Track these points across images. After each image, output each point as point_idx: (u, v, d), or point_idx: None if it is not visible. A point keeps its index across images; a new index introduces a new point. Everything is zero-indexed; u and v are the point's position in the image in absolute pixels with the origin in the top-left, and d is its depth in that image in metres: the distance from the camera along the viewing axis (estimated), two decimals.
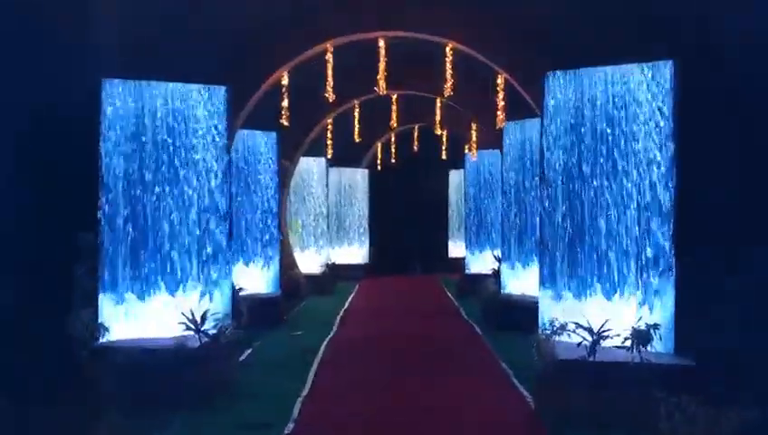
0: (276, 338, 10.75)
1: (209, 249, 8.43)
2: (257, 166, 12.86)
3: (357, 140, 16.79)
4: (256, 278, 12.67)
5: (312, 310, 14.17)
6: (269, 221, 12.98)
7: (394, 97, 15.92)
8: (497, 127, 11.33)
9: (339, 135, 17.82)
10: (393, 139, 21.54)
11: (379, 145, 21.76)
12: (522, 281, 11.94)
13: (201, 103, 8.34)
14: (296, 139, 16.30)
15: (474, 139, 16.02)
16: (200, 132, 8.32)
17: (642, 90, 7.44)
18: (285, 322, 12.24)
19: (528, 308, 10.99)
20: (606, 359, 6.81)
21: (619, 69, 7.61)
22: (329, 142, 16.65)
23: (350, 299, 16.00)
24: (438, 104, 15.92)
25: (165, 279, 8.06)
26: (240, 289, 11.30)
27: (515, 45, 10.11)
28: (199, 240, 8.31)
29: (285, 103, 11.51)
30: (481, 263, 16.95)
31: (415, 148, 20.97)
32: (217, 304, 8.36)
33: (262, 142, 12.92)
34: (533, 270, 11.82)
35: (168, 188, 8.10)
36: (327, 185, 18.45)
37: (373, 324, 12.43)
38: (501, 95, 11.09)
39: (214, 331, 7.93)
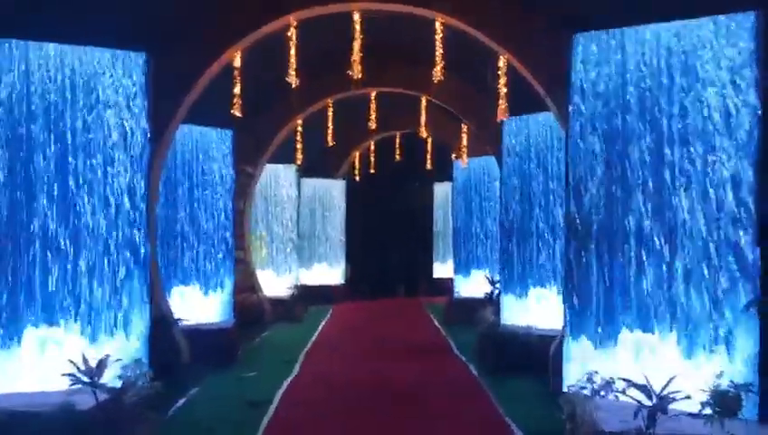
0: (221, 383, 8.51)
1: (123, 271, 6.25)
2: (207, 168, 10.66)
3: (331, 144, 14.64)
4: (204, 305, 10.44)
5: (274, 342, 11.93)
6: (223, 235, 10.77)
7: (373, 95, 13.84)
8: (499, 118, 9.22)
9: (311, 141, 15.70)
10: (372, 147, 19.45)
11: (357, 154, 19.65)
12: (525, 309, 9.83)
13: (111, 73, 6.18)
14: (260, 140, 14.17)
15: (464, 143, 13.95)
16: (109, 110, 6.15)
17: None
18: (239, 358, 10.00)
19: (536, 345, 8.91)
20: (674, 432, 4.71)
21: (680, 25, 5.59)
22: (298, 146, 14.47)
23: (320, 328, 13.78)
24: (424, 103, 13.83)
25: (45, 309, 5.82)
26: (178, 320, 9.07)
27: (519, 12, 8.12)
28: (105, 256, 6.11)
29: (237, 90, 9.37)
30: (471, 285, 14.84)
31: (397, 156, 18.87)
32: (128, 344, 6.15)
33: (214, 140, 10.74)
34: (542, 296, 9.72)
35: (58, 180, 5.90)
36: (299, 195, 16.25)
37: (346, 362, 10.22)
38: (503, 81, 9.00)
39: (119, 383, 5.75)
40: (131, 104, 6.19)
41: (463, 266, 15.18)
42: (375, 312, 17.29)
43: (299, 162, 15.00)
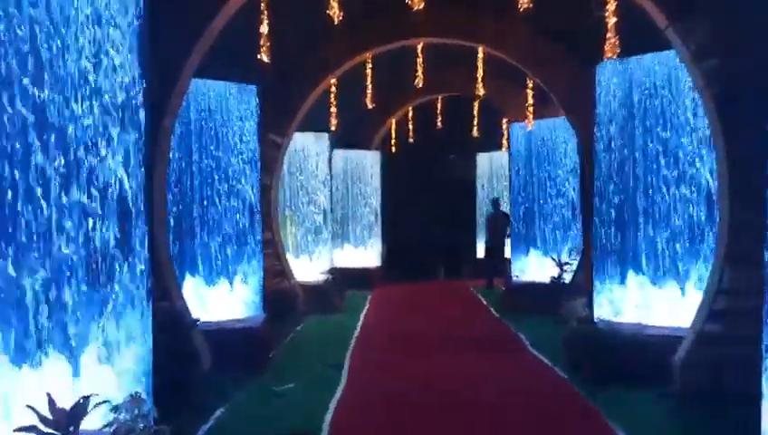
0: (250, 403, 6.67)
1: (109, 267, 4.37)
2: (229, 135, 8.76)
3: (370, 106, 12.65)
4: (229, 298, 8.62)
5: (311, 339, 10.09)
6: (249, 214, 8.91)
7: (419, 47, 11.82)
8: (607, 56, 7.18)
9: (342, 107, 13.78)
10: (411, 114, 17.45)
11: (393, 122, 17.67)
12: (627, 302, 7.88)
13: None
14: (289, 104, 12.26)
15: (529, 101, 11.90)
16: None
17: None
18: (271, 362, 8.19)
19: (652, 348, 7.03)
20: None
21: None
22: (332, 111, 12.52)
23: (362, 318, 11.94)
24: (481, 55, 11.76)
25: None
26: (197, 321, 7.24)
27: None
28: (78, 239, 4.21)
29: (265, 29, 7.44)
30: (533, 267, 12.92)
31: (438, 123, 16.86)
32: (120, 376, 4.31)
33: (235, 99, 8.83)
34: (646, 286, 7.76)
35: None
36: (330, 168, 14.33)
37: (403, 367, 8.34)
38: (612, 6, 6.95)
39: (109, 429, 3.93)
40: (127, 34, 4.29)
41: (521, 246, 13.25)
42: (418, 297, 15.43)
43: (333, 128, 13.04)
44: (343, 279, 14.21)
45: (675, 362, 6.48)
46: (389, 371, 8.08)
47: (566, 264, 12.13)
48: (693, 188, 7.24)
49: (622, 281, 7.90)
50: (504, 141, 15.79)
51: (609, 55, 7.04)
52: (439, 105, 16.72)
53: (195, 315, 7.35)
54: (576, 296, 8.37)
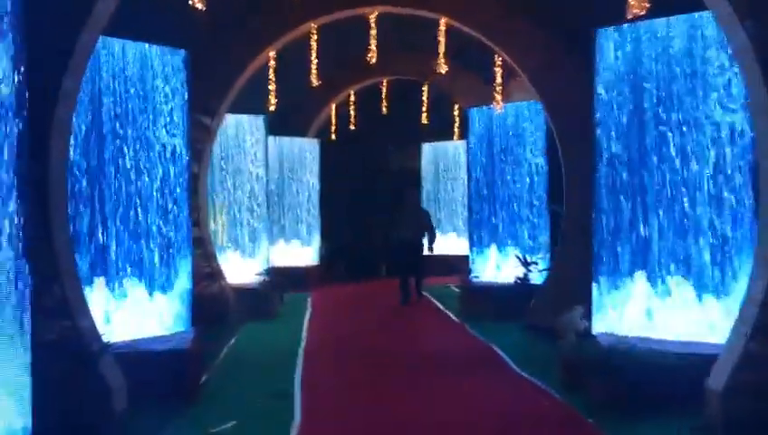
0: None
1: None
2: (150, 112, 7.07)
3: (316, 84, 11.09)
4: (148, 310, 6.96)
5: (249, 357, 8.47)
6: (175, 208, 7.27)
7: (373, 17, 10.36)
8: (633, 12, 5.86)
9: (281, 88, 12.21)
10: (353, 98, 15.96)
11: (334, 106, 16.15)
12: (633, 311, 6.68)
13: None
14: (220, 80, 10.60)
15: (498, 80, 10.59)
16: None
17: None
18: (203, 389, 6.60)
19: (676, 372, 5.84)
20: None
21: None
22: (271, 88, 10.90)
23: (305, 327, 10.42)
24: (442, 27, 10.34)
25: None
26: (106, 346, 5.58)
27: None
28: None
29: None
30: (491, 267, 11.72)
31: (384, 109, 15.46)
32: None
33: (158, 68, 7.15)
34: (660, 293, 6.59)
35: None
36: (266, 155, 12.69)
37: (365, 393, 6.87)
38: None
39: None
40: None
41: (479, 242, 12.01)
42: (364, 299, 14.02)
43: (272, 108, 11.41)
44: (280, 280, 12.63)
45: (711, 386, 5.30)
46: (352, 401, 6.62)
47: (532, 263, 10.97)
48: (723, 180, 6.08)
49: (626, 287, 6.69)
50: (457, 129, 14.54)
51: (637, 11, 5.76)
52: (384, 89, 15.32)
53: (104, 336, 5.70)
54: (573, 305, 7.10)
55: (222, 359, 8.08)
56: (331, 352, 8.76)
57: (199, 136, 10.60)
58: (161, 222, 6.90)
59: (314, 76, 10.73)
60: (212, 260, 10.76)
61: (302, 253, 15.78)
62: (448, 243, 16.13)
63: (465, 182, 16.15)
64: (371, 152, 17.58)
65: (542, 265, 10.96)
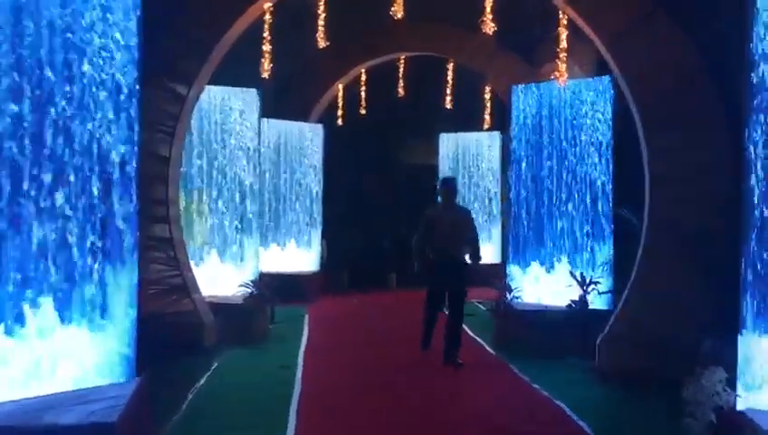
0: None
1: None
2: (83, 60, 4.68)
3: (323, 46, 8.72)
4: (60, 352, 4.57)
5: (221, 409, 6.09)
6: (112, 202, 4.90)
7: None
8: None
9: (279, 60, 9.91)
10: (364, 77, 13.59)
11: (341, 87, 13.77)
12: None
13: None
14: (198, 37, 8.29)
15: (562, 45, 8.21)
16: None
17: None
18: None
19: None
20: None
21: None
22: (266, 48, 8.54)
23: (300, 360, 8.03)
24: None
25: None
26: None
27: None
28: None
29: None
30: (530, 283, 9.41)
31: (400, 90, 13.09)
32: None
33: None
34: None
35: None
36: (258, 139, 10.31)
37: None
38: None
39: None
40: None
41: (520, 254, 9.66)
42: (374, 319, 11.64)
43: (265, 75, 9.03)
44: (271, 293, 10.24)
45: None
46: None
47: (592, 283, 8.66)
48: None
49: None
50: (487, 116, 12.21)
51: None
52: (402, 67, 12.96)
53: None
54: (709, 363, 4.73)
55: (180, 417, 5.70)
56: (333, 401, 6.39)
57: (171, 109, 8.31)
58: (82, 217, 4.51)
59: (321, 37, 8.36)
60: (184, 268, 8.42)
61: (300, 258, 13.49)
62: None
63: (497, 178, 13.97)
64: (384, 142, 15.20)
65: (603, 285, 8.67)
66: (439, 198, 7.97)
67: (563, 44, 8.10)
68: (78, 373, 4.55)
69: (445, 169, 15.37)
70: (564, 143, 9.11)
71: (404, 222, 15.50)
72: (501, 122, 12.89)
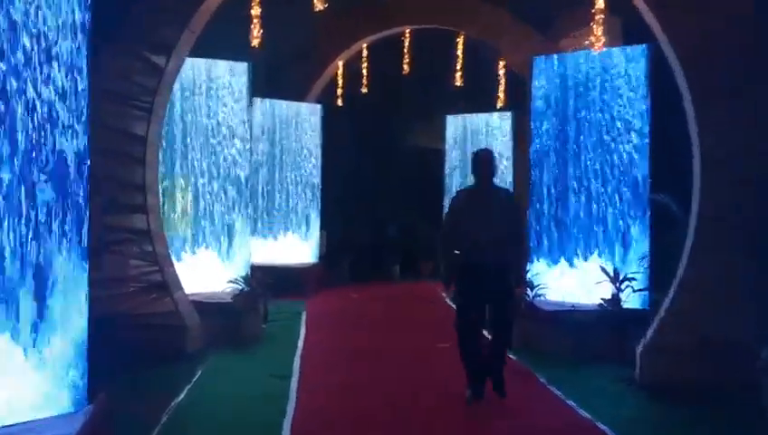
0: None
1: None
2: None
3: (320, 8, 7.68)
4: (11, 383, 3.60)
5: (204, 428, 5.14)
6: (68, 195, 3.94)
7: None
8: None
9: (273, 33, 8.91)
10: (365, 52, 12.55)
11: (341, 64, 12.73)
12: None
13: None
14: (177, 5, 7.28)
15: (600, 5, 7.16)
16: None
17: None
18: None
19: None
20: None
21: None
22: (254, 15, 7.52)
23: (296, 367, 7.02)
24: None
25: None
26: None
27: None
28: None
29: None
30: (554, 279, 8.41)
31: (404, 67, 12.06)
32: None
33: None
34: None
35: None
36: (249, 119, 9.28)
37: None
38: None
39: None
40: None
41: (543, 246, 8.65)
42: (381, 315, 10.65)
43: (255, 44, 8.00)
44: (264, 288, 9.23)
45: None
46: None
47: (626, 280, 7.67)
48: None
49: None
50: (501, 94, 11.19)
51: None
52: (407, 42, 11.92)
53: None
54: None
55: (165, 425, 4.71)
56: (334, 415, 5.41)
57: (148, 83, 7.29)
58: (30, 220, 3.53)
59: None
60: (164, 263, 7.42)
61: (296, 249, 12.52)
62: None
63: (511, 162, 12.98)
64: (387, 123, 14.17)
65: (638, 282, 7.68)
66: (472, 178, 5.93)
67: (600, 4, 7.06)
68: (8, 404, 3.57)
69: (451, 152, 14.38)
70: (596, 118, 8.08)
71: (408, 210, 14.57)
72: (514, 101, 11.91)
